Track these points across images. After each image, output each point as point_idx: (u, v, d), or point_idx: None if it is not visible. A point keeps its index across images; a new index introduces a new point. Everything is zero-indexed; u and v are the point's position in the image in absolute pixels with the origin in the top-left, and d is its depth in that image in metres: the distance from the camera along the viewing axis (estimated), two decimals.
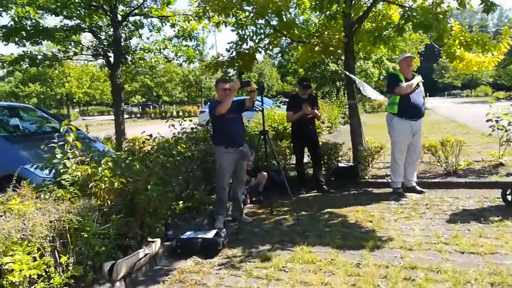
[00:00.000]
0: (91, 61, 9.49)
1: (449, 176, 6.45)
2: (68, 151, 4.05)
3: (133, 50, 9.42)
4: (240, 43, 6.33)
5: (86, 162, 4.20)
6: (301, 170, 6.51)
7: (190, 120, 7.60)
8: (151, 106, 52.48)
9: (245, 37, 6.16)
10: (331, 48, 6.41)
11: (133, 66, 9.90)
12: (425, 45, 20.59)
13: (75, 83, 26.60)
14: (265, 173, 6.12)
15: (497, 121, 7.00)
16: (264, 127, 4.88)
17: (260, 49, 6.57)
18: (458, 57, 6.92)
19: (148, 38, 10.81)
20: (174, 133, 7.70)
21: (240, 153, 4.83)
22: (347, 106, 20.88)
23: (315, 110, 6.24)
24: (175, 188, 4.40)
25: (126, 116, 40.29)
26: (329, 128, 15.67)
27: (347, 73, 7.05)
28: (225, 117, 4.70)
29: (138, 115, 41.65)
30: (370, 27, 7.46)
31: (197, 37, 10.09)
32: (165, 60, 10.32)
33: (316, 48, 6.50)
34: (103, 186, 3.68)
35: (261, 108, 5.10)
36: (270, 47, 6.70)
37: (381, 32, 7.05)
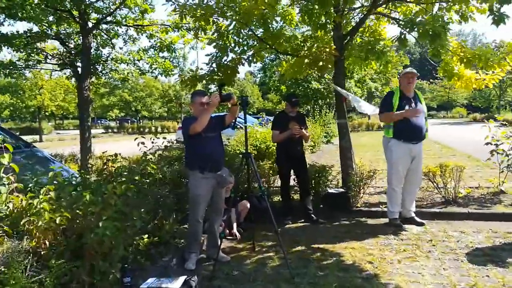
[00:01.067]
0: (56, 70, 8.65)
1: (448, 205, 5.86)
2: (3, 175, 3.23)
3: (103, 60, 8.63)
4: (220, 54, 5.65)
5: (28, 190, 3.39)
6: (287, 195, 5.80)
7: (164, 138, 6.85)
8: (129, 121, 51.20)
9: (226, 48, 5.48)
10: (321, 63, 5.81)
11: (104, 77, 9.07)
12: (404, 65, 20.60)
13: (48, 95, 25.37)
14: (246, 202, 5.37)
15: (496, 145, 6.51)
16: (247, 148, 4.18)
17: (243, 61, 5.91)
18: (456, 74, 6.44)
19: (121, 48, 10.10)
20: (145, 152, 6.94)
21: (218, 178, 4.09)
22: (329, 125, 20.62)
23: (304, 130, 5.59)
24: (137, 223, 3.60)
25: (102, 130, 38.93)
26: (312, 148, 15.09)
27: (338, 89, 6.47)
28: (201, 136, 3.98)
29: (115, 130, 40.36)
30: (361, 41, 6.94)
31: (176, 49, 9.38)
32: (139, 72, 9.53)
33: (305, 61, 5.88)
34: (40, 223, 2.88)
35: (243, 126, 4.40)
36: (254, 60, 6.05)
37: (374, 46, 6.52)
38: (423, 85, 59.06)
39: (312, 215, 5.64)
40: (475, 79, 6.74)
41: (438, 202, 6.03)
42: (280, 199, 5.97)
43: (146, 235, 4.16)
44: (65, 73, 8.66)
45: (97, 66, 8.69)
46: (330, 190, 6.07)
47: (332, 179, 6.47)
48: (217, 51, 5.58)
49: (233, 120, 4.14)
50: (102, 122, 58.02)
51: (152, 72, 9.28)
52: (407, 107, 5.12)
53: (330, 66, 6.18)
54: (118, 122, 51.52)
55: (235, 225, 5.11)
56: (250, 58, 6.07)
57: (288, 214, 5.72)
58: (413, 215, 5.37)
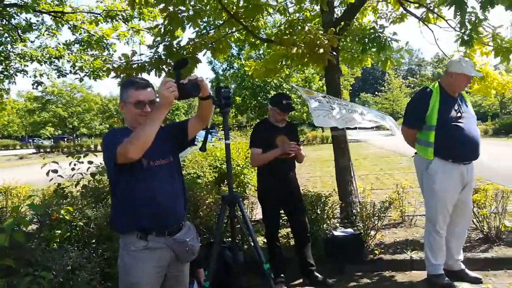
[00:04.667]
0: None
1: (493, 244, 4.28)
2: None
3: (4, 57, 6.23)
4: (172, 27, 3.62)
5: None
6: (274, 249, 3.85)
7: (90, 162, 4.76)
8: (65, 139, 46.72)
9: (182, 21, 3.50)
10: (321, 50, 4.01)
11: (8, 81, 6.63)
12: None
13: None
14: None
15: None
16: (231, 186, 2.19)
17: (204, 48, 3.97)
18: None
19: (32, 42, 7.64)
20: (59, 184, 4.80)
21: (176, 248, 2.12)
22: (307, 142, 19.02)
23: (299, 147, 3.74)
24: None
25: (33, 150, 34.80)
26: None
27: (301, 90, 4.74)
28: (141, 167, 2.02)
29: (48, 150, 36.13)
30: (360, 26, 5.31)
31: (109, 45, 7.23)
32: (58, 73, 7.19)
33: (294, 50, 4.06)
34: None
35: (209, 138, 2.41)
36: (220, 46, 4.13)
37: (376, 33, 4.90)
38: (367, 98, 60.32)
39: (316, 273, 3.78)
40: (498, 82, 5.35)
41: (476, 240, 4.45)
42: (266, 247, 4.02)
43: None
44: None
45: None
46: (336, 232, 4.23)
47: (335, 215, 4.67)
48: (167, 22, 3.57)
49: (206, 129, 2.18)
50: (35, 141, 52.76)
51: (76, 73, 7.01)
52: (453, 112, 3.46)
53: (330, 57, 4.41)
54: (52, 140, 46.86)
55: None
56: (214, 45, 4.12)
57: (278, 272, 3.79)
58: (463, 266, 3.69)
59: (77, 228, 3.74)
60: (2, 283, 2.60)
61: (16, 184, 6.06)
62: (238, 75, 19.48)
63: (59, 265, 2.75)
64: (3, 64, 6.33)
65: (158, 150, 2.12)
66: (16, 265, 2.63)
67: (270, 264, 3.71)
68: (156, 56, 3.83)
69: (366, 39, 4.92)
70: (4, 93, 6.91)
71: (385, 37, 4.89)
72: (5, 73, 6.44)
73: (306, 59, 4.41)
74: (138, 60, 3.86)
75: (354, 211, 4.80)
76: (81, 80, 6.87)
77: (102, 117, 37.05)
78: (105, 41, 7.29)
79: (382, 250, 4.32)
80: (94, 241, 3.64)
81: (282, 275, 3.76)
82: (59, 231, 3.50)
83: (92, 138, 46.77)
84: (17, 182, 6.74)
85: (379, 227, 4.51)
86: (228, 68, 25.07)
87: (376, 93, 54.71)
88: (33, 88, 7.15)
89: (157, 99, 2.16)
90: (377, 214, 4.44)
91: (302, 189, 4.93)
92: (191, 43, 3.85)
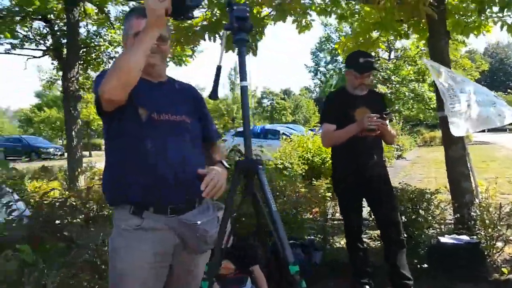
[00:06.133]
0: (35, 57, 6.65)
1: None
2: None
3: (95, 44, 6.37)
4: None
5: None
6: (355, 246, 2.99)
7: None
8: None
9: None
10: (421, 6, 3.02)
11: (96, 64, 6.85)
12: None
13: (94, 109, 24.59)
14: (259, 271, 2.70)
15: None
16: (249, 150, 1.49)
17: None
18: None
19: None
20: None
21: (183, 231, 1.53)
22: (399, 137, 17.15)
23: (387, 121, 2.84)
24: None
25: None
26: None
27: (429, 64, 3.68)
28: (138, 119, 1.50)
29: None
30: None
31: None
32: None
33: (385, 5, 3.15)
34: None
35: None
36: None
37: None
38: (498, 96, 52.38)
39: None
40: None
41: None
42: (346, 247, 3.18)
43: None
44: (52, 63, 6.63)
45: (88, 53, 6.52)
46: (444, 239, 3.19)
47: (445, 218, 3.62)
48: None
49: (217, 69, 1.54)
50: None
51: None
52: None
53: (427, 11, 3.37)
54: None
55: None
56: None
57: (361, 278, 2.95)
58: None
59: None
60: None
61: None
62: (340, 69, 18.21)
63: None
64: (95, 51, 6.59)
65: (169, 103, 1.58)
66: None
67: (353, 271, 2.95)
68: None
69: None
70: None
71: None
72: (98, 59, 6.71)
73: (400, 22, 3.45)
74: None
75: (472, 214, 3.65)
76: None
77: (213, 116, 39.08)
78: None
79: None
80: None
81: (367, 279, 2.92)
82: None
83: None
84: None
85: (508, 237, 3.32)
86: (332, 60, 23.83)
87: (509, 90, 46.97)
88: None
89: (168, 34, 1.63)
90: (505, 219, 3.27)
91: (400, 183, 3.98)
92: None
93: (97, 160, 6.27)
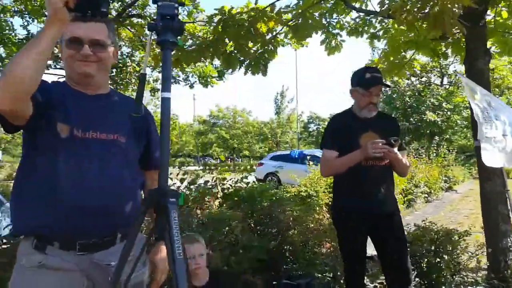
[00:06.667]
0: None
1: None
2: None
3: (122, 63, 6.36)
4: None
5: None
6: None
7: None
8: (229, 159, 51.21)
9: None
10: (446, 18, 2.66)
11: (125, 85, 6.87)
12: None
13: None
14: None
15: None
16: (165, 176, 1.18)
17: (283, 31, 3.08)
18: None
19: None
20: None
21: (94, 273, 1.29)
22: (449, 167, 15.93)
23: (394, 149, 2.44)
24: None
25: (201, 167, 38.90)
26: (426, 195, 11.09)
27: (465, 81, 3.22)
28: (56, 136, 1.32)
29: (213, 167, 39.90)
30: None
31: None
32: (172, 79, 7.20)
33: (403, 16, 2.82)
34: None
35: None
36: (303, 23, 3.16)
37: None
38: None
39: None
40: None
41: None
42: None
43: None
44: None
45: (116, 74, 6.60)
46: None
47: (479, 265, 3.09)
48: None
49: (141, 77, 1.30)
50: (206, 159, 59.45)
51: (187, 79, 6.88)
52: None
53: (457, 28, 2.98)
54: (219, 160, 51.98)
55: None
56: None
57: None
58: None
59: None
60: None
61: None
62: (385, 94, 17.47)
63: None
64: (122, 72, 6.67)
65: (101, 119, 1.38)
66: None
67: None
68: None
69: None
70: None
71: None
72: (125, 80, 6.78)
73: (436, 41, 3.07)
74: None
75: (509, 262, 3.10)
76: (191, 86, 6.83)
77: (258, 139, 39.17)
78: None
79: None
80: None
81: None
82: None
83: (251, 159, 49.99)
84: None
85: None
86: None
87: None
88: (151, 95, 7.48)
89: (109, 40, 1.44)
90: None
91: (427, 222, 3.49)
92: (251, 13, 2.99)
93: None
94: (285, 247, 3.64)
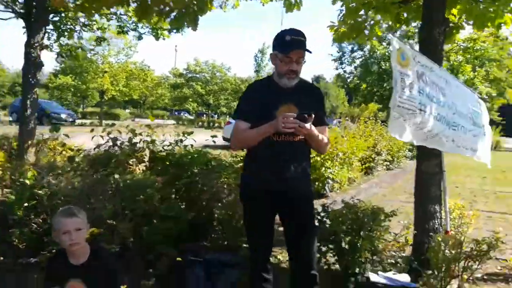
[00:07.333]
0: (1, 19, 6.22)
1: None
2: None
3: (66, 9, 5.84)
4: None
5: None
6: (260, 276, 2.34)
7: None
8: (204, 115, 50.49)
9: None
10: None
11: (67, 30, 6.33)
12: None
13: (108, 79, 24.50)
14: None
15: None
16: None
17: None
18: None
19: None
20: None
21: None
22: None
23: (309, 123, 2.11)
24: None
25: (173, 122, 38.13)
26: (387, 163, 11.12)
27: (402, 48, 2.89)
28: None
29: (185, 123, 39.22)
30: None
31: None
32: (119, 29, 6.61)
33: None
34: None
35: None
36: None
37: None
38: None
39: None
40: None
41: None
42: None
43: None
44: (23, 27, 6.12)
45: (57, 18, 6.01)
46: (375, 277, 2.58)
47: (392, 246, 2.99)
48: None
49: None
50: (181, 114, 58.09)
51: (135, 29, 6.38)
52: None
53: None
54: (196, 115, 51.18)
55: None
56: None
57: None
58: None
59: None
60: None
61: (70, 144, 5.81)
62: (363, 58, 17.23)
63: None
64: (65, 17, 6.06)
65: None
66: None
67: None
68: None
69: None
70: (75, 50, 6.73)
71: None
72: (70, 26, 6.19)
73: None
74: None
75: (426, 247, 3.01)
76: (139, 38, 6.31)
77: (234, 97, 38.44)
78: None
79: None
80: None
81: None
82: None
83: (227, 116, 49.44)
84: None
85: (462, 277, 2.67)
86: (356, 49, 22.52)
87: None
88: (96, 45, 6.94)
89: None
90: (462, 259, 2.62)
91: (352, 198, 3.34)
92: None
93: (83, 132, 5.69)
94: (211, 218, 3.46)
